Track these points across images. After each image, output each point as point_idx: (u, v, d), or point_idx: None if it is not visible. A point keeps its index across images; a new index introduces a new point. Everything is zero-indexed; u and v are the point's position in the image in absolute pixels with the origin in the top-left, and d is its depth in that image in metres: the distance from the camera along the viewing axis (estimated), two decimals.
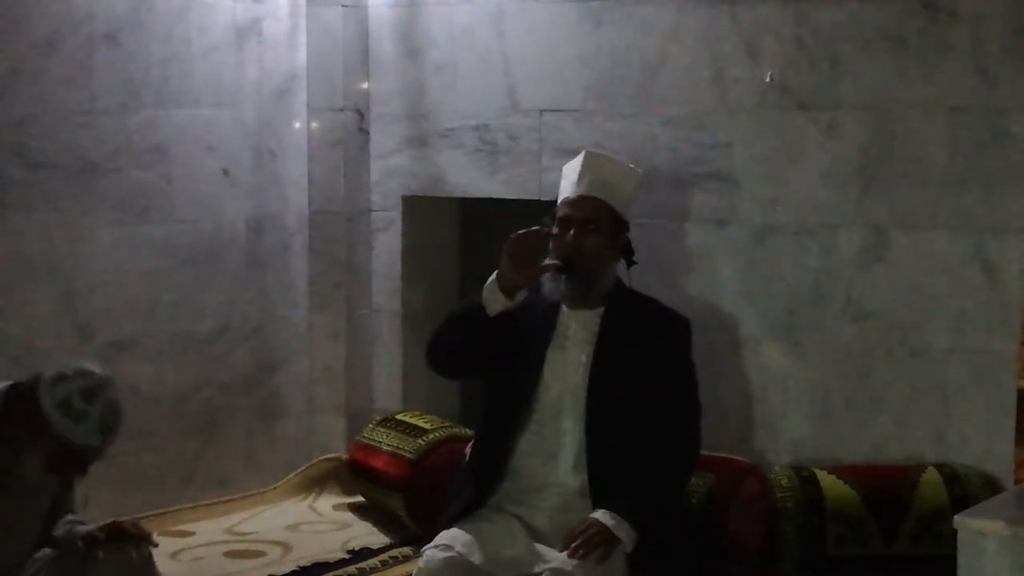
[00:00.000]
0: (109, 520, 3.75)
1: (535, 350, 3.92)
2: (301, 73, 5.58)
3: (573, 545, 3.60)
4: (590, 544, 3.60)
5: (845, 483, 4.25)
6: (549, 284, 3.94)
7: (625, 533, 3.65)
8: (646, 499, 3.75)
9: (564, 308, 3.97)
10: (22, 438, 3.47)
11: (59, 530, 3.68)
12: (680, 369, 3.93)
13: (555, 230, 3.95)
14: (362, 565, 4.72)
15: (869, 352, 4.55)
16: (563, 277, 3.88)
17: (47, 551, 3.64)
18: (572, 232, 3.90)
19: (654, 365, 3.88)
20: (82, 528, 3.66)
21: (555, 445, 3.87)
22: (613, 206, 3.96)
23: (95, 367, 3.52)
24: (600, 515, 3.67)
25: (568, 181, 4.02)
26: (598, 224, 3.92)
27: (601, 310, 3.95)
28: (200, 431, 5.31)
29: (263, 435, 5.55)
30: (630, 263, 4.08)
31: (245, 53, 5.37)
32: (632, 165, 4.23)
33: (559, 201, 4.02)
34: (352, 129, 5.58)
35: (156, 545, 3.72)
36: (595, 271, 3.92)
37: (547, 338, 3.93)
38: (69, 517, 3.73)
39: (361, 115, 5.59)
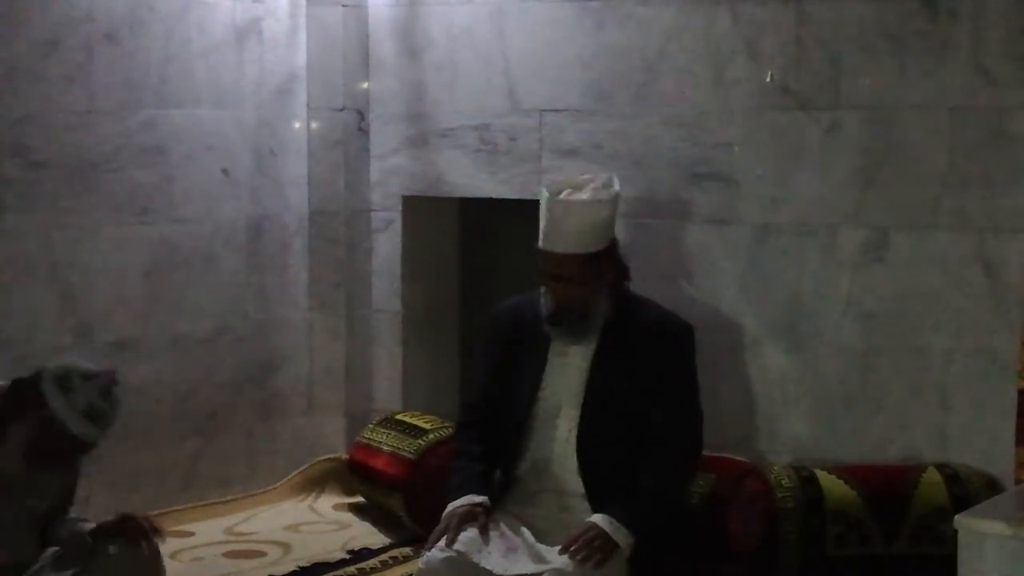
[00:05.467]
0: (113, 515, 3.71)
1: (536, 356, 3.93)
2: (301, 73, 5.57)
3: (572, 549, 3.61)
4: (589, 548, 3.61)
5: (845, 483, 4.25)
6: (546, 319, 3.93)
7: (623, 538, 3.66)
8: (646, 505, 3.76)
9: None
10: (23, 437, 3.45)
11: (61, 531, 3.64)
12: (681, 377, 3.93)
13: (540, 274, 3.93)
14: (362, 565, 4.72)
15: (869, 352, 4.54)
16: (556, 327, 3.89)
17: (50, 550, 3.61)
18: (555, 289, 3.88)
19: (655, 373, 3.88)
20: (87, 525, 3.64)
21: (554, 449, 3.89)
22: (589, 252, 3.89)
23: (94, 362, 3.51)
24: (599, 519, 3.69)
25: (543, 220, 3.91)
26: (577, 277, 3.88)
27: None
28: (200, 431, 5.30)
29: (263, 435, 5.54)
30: (625, 278, 4.03)
31: (245, 53, 5.37)
32: (602, 188, 3.99)
33: (540, 241, 3.92)
34: (352, 129, 5.58)
35: (164, 541, 3.69)
36: (587, 312, 3.90)
37: (547, 343, 3.93)
38: (71, 515, 3.71)
39: (361, 115, 5.58)
